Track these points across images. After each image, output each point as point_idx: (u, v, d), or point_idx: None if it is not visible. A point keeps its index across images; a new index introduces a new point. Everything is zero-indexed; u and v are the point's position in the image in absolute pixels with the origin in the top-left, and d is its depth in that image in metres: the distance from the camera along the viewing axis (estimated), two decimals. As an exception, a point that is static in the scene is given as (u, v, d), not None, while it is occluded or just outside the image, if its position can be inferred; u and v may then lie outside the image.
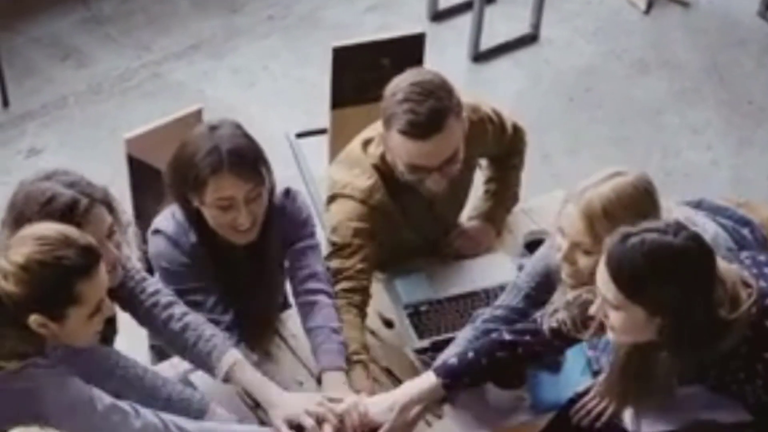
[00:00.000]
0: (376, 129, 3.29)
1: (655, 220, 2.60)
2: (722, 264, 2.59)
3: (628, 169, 2.78)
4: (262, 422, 2.96)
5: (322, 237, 3.29)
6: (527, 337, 2.94)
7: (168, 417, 2.73)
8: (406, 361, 3.23)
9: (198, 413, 2.87)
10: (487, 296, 3.37)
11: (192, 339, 2.95)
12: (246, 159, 2.97)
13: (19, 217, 2.71)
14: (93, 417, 2.61)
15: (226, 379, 2.94)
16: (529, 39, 5.90)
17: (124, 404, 2.67)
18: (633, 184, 2.74)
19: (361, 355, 3.10)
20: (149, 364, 3.33)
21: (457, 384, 2.94)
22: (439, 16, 5.95)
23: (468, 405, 3.06)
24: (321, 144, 4.09)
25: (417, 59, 3.90)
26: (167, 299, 3.01)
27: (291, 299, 3.51)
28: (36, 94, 5.44)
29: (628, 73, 5.77)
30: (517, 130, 3.54)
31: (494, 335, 2.99)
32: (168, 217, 3.12)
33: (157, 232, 3.12)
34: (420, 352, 3.24)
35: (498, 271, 3.44)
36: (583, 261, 2.79)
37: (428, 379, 2.94)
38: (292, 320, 3.30)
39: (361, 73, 3.89)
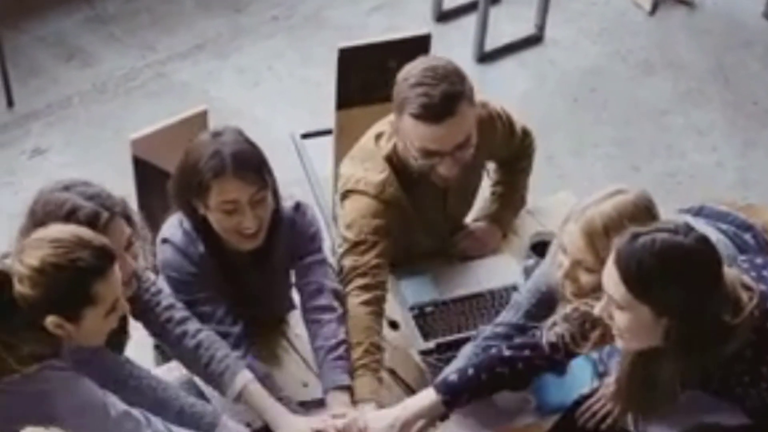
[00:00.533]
0: (387, 123, 3.29)
1: (667, 220, 2.60)
2: (723, 268, 2.59)
3: (629, 187, 2.79)
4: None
5: (328, 243, 3.28)
6: (526, 352, 2.94)
7: (177, 430, 2.74)
8: (411, 362, 3.23)
9: (209, 426, 2.88)
10: (492, 298, 3.37)
11: (205, 359, 2.99)
12: (249, 162, 2.98)
13: (39, 227, 2.72)
14: (106, 423, 2.62)
15: (237, 399, 2.98)
16: (534, 39, 5.90)
17: (136, 412, 2.68)
18: (634, 203, 2.74)
19: (363, 360, 3.09)
20: (154, 364, 3.35)
21: (457, 400, 2.95)
22: (443, 16, 5.94)
23: (473, 407, 3.04)
24: (326, 145, 4.08)
25: (422, 60, 3.89)
26: (181, 315, 3.04)
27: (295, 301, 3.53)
28: (40, 94, 5.44)
29: (633, 74, 5.77)
30: (527, 134, 3.55)
31: (494, 351, 2.99)
32: (176, 226, 3.13)
33: (165, 241, 3.13)
34: (425, 353, 3.24)
35: (503, 272, 3.44)
36: (584, 278, 2.79)
37: (428, 396, 2.94)
38: (295, 320, 3.31)
39: (367, 74, 3.89)
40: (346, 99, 3.95)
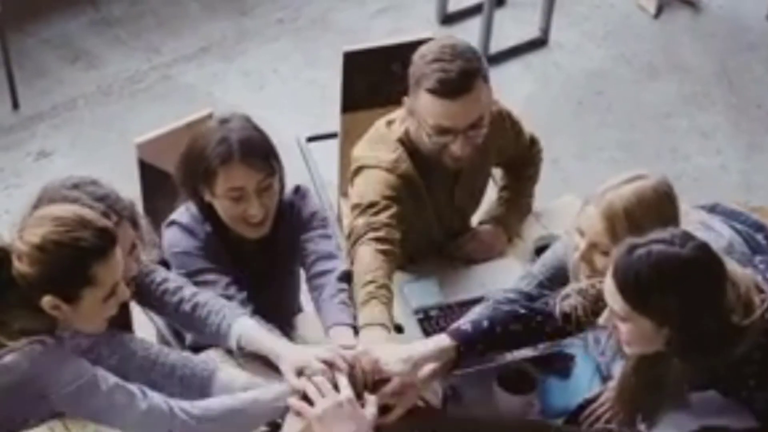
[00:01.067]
0: (397, 112, 3.32)
1: (664, 230, 2.58)
2: (736, 268, 2.58)
3: (649, 172, 2.79)
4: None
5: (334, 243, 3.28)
6: (539, 317, 2.91)
7: (175, 402, 2.69)
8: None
9: (205, 381, 2.84)
10: (496, 301, 3.36)
11: (203, 315, 2.95)
12: (256, 149, 3.00)
13: None
14: (97, 397, 2.59)
15: (240, 348, 2.91)
16: (539, 42, 5.90)
17: (131, 385, 2.65)
18: (654, 188, 2.76)
19: (374, 293, 3.00)
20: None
21: (470, 350, 2.87)
22: (448, 19, 5.95)
23: (478, 410, 3.05)
24: (332, 148, 4.09)
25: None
26: (176, 284, 3.02)
27: (302, 304, 3.54)
28: (46, 96, 5.45)
29: (637, 77, 5.78)
30: (534, 143, 3.59)
31: (507, 308, 2.96)
32: (182, 211, 3.16)
33: (171, 224, 3.14)
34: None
35: (508, 276, 3.42)
36: (600, 261, 2.80)
37: (442, 340, 2.86)
38: (301, 324, 3.31)
39: (372, 78, 3.90)
40: (351, 102, 3.96)
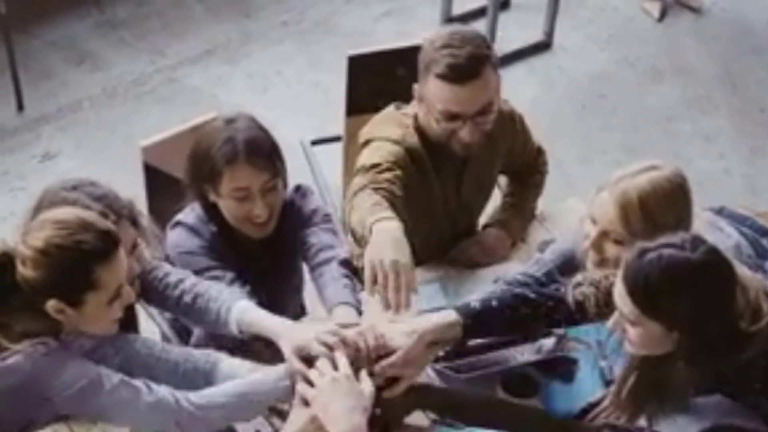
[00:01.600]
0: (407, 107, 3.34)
1: (675, 234, 2.57)
2: (746, 273, 2.58)
3: (663, 163, 2.80)
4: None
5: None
6: (550, 303, 2.88)
7: (181, 394, 2.68)
8: (419, 369, 3.23)
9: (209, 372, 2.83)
10: (500, 305, 3.37)
11: (203, 304, 2.93)
12: (261, 149, 3.01)
13: None
14: (101, 396, 2.58)
15: (240, 331, 2.88)
16: (543, 46, 5.92)
17: (136, 381, 2.64)
18: (668, 179, 2.77)
19: (379, 200, 2.98)
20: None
21: (476, 328, 2.85)
22: (452, 22, 5.94)
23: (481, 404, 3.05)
24: (336, 151, 4.09)
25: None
26: (176, 277, 3.00)
27: (306, 307, 3.54)
28: (51, 98, 5.46)
29: (641, 81, 5.78)
30: (541, 152, 3.62)
31: (518, 290, 2.94)
32: (187, 212, 3.17)
33: (176, 224, 3.15)
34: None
35: (512, 280, 3.44)
36: (611, 250, 2.81)
37: (449, 315, 2.84)
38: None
39: (376, 81, 3.91)
40: (355, 106, 3.97)
